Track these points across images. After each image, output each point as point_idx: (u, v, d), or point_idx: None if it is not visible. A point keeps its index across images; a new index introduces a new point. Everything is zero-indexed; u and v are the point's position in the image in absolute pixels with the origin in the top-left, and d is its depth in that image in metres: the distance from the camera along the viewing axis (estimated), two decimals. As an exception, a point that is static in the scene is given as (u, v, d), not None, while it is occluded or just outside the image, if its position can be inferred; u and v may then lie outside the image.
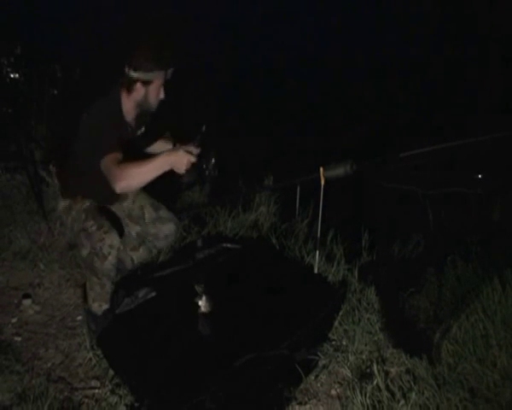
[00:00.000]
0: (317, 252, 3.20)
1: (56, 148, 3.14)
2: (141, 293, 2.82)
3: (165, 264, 3.13)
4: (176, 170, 2.40)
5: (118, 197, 3.04)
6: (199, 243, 3.30)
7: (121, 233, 2.72)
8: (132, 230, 3.05)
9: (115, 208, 3.09)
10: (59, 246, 3.55)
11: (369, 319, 2.76)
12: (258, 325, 2.63)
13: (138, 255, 3.06)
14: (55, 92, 6.82)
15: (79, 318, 2.91)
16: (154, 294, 2.85)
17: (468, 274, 3.09)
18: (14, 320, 2.85)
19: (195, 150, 2.52)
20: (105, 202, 2.89)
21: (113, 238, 2.57)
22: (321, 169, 3.03)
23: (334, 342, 2.66)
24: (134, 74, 2.56)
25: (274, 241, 3.61)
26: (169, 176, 2.62)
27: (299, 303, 2.82)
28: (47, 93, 6.77)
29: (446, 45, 9.55)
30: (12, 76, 6.31)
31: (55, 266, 3.35)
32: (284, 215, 4.21)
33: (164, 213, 3.08)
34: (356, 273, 3.18)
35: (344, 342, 2.65)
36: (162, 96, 2.69)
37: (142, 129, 2.89)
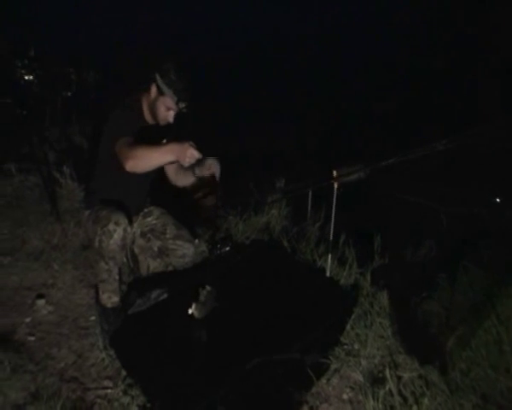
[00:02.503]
0: (330, 255, 3.19)
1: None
2: (153, 294, 2.83)
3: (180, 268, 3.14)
4: (180, 161, 2.45)
5: (141, 208, 3.19)
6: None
7: (130, 220, 2.75)
8: (154, 245, 3.08)
9: (139, 223, 3.16)
10: (72, 247, 3.58)
11: (381, 323, 2.75)
12: (269, 328, 2.62)
13: (155, 265, 3.08)
14: (69, 94, 6.87)
15: (92, 318, 2.92)
16: (166, 295, 2.86)
17: (480, 279, 3.08)
18: (27, 320, 2.86)
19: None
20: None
21: (119, 216, 2.62)
22: (334, 172, 3.03)
23: (345, 346, 2.65)
24: (157, 76, 2.72)
25: (286, 244, 3.62)
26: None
27: (311, 306, 2.81)
28: (60, 95, 6.82)
29: (447, 49, 9.61)
30: (26, 78, 6.36)
31: (68, 267, 3.39)
32: (296, 218, 4.22)
33: (185, 233, 3.11)
34: (368, 277, 3.17)
35: (356, 346, 2.64)
36: (170, 119, 2.83)
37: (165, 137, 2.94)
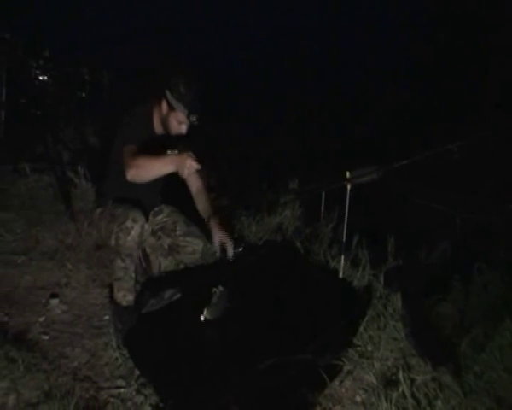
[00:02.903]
0: (343, 256, 3.19)
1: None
2: (166, 294, 2.84)
3: (192, 267, 3.14)
4: (179, 171, 2.51)
5: (152, 207, 3.20)
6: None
7: (146, 218, 2.78)
8: (164, 242, 3.11)
9: (150, 222, 3.18)
10: (86, 246, 3.59)
11: (394, 325, 2.74)
12: (282, 329, 2.62)
13: (166, 264, 3.10)
14: (83, 95, 6.94)
15: (106, 317, 2.94)
16: (179, 295, 2.87)
17: (495, 281, 3.05)
18: (41, 319, 2.87)
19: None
20: None
21: (136, 213, 2.66)
22: (347, 173, 3.02)
23: (358, 348, 2.64)
24: (167, 92, 2.75)
25: (298, 245, 3.60)
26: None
27: (324, 308, 2.80)
28: (75, 95, 6.89)
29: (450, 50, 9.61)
30: (41, 78, 6.43)
31: (82, 267, 3.40)
32: (309, 219, 4.21)
33: (195, 229, 3.13)
34: (381, 279, 3.16)
35: (369, 348, 2.63)
36: (182, 131, 2.86)
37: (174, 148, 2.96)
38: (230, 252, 2.99)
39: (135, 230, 2.63)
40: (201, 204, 3.16)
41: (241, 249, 3.15)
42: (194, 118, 2.76)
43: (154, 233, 3.15)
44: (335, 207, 3.92)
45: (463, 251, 3.71)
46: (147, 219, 2.81)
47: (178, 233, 3.10)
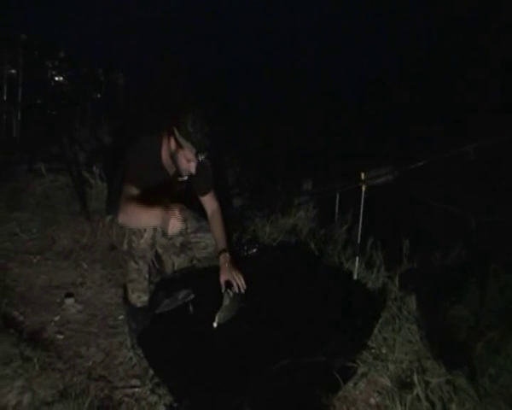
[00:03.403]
0: (357, 258, 3.18)
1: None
2: (180, 294, 2.85)
3: (205, 267, 3.14)
4: (163, 229, 2.47)
5: None
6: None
7: None
8: (176, 241, 3.10)
9: None
10: (101, 246, 3.61)
11: (409, 328, 2.72)
12: (296, 331, 2.62)
13: (179, 262, 3.10)
14: (98, 95, 6.99)
15: (121, 317, 2.95)
16: (193, 296, 2.88)
17: (510, 284, 3.03)
18: (56, 318, 2.89)
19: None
20: None
21: None
22: (362, 174, 3.01)
23: (373, 350, 2.63)
24: (175, 130, 2.69)
25: (313, 246, 3.60)
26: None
27: (339, 309, 2.80)
28: (90, 96, 6.94)
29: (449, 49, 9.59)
30: (56, 79, 6.48)
31: (97, 266, 3.42)
32: (323, 220, 4.20)
33: (205, 224, 3.11)
34: (396, 281, 3.14)
35: (383, 351, 2.62)
36: (192, 170, 2.79)
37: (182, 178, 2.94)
38: (236, 289, 2.88)
39: (148, 232, 2.65)
40: (215, 228, 3.10)
41: (255, 250, 3.14)
42: (202, 156, 2.74)
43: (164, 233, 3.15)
44: (350, 208, 3.91)
45: (478, 253, 3.69)
46: None
47: (189, 230, 3.09)
